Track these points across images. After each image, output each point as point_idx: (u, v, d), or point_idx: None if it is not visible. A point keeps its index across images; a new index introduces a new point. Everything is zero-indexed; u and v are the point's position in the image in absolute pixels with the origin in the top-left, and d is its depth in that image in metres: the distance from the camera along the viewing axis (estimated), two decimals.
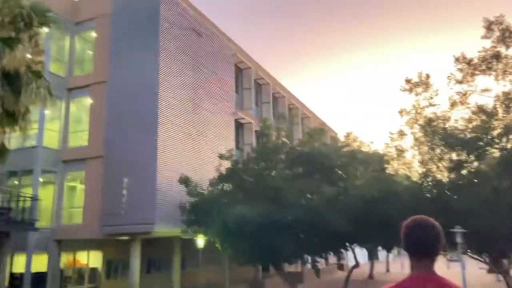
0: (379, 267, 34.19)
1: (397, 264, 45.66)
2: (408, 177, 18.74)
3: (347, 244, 18.68)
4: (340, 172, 17.40)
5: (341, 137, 21.18)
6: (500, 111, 16.27)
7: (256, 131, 26.75)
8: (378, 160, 19.09)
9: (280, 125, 20.09)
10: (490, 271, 37.28)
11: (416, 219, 2.13)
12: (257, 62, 30.18)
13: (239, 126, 26.96)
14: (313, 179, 17.76)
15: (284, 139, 19.45)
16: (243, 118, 26.71)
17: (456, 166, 16.50)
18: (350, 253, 26.49)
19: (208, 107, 22.37)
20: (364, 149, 20.80)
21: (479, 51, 16.45)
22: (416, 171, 18.36)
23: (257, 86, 30.28)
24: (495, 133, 15.92)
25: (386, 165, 19.20)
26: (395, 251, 32.67)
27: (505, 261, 18.07)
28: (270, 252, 15.51)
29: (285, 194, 16.04)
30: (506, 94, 16.07)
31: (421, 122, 17.86)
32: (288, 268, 21.89)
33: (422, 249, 2.04)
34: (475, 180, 15.50)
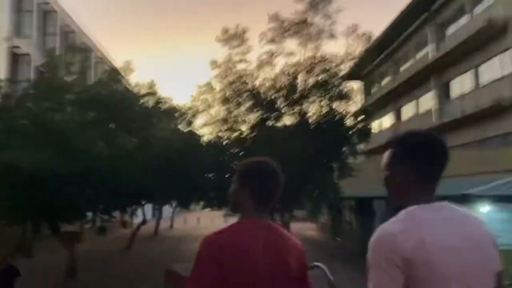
0: (163, 224, 34.42)
1: (180, 220, 47.06)
2: (213, 132, 18.44)
3: (143, 200, 17.18)
4: (142, 121, 15.49)
5: (143, 85, 19.04)
6: (300, 76, 17.39)
7: (37, 66, 21.80)
8: (184, 113, 18.03)
9: (70, 59, 16.51)
10: None
11: (263, 161, 1.91)
12: None
13: (15, 57, 21.41)
14: (110, 127, 15.32)
15: (76, 77, 16.10)
16: (19, 47, 21.29)
17: (259, 124, 16.99)
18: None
19: None
20: (167, 102, 19.30)
21: (291, 14, 17.02)
22: (221, 127, 18.15)
23: (42, 12, 24.67)
24: (295, 96, 16.94)
25: (192, 119, 18.36)
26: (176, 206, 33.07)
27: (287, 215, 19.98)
28: (47, 208, 12.65)
29: (73, 141, 13.19)
30: (309, 59, 17.20)
31: (231, 78, 17.57)
32: (67, 227, 18.87)
33: (268, 196, 1.85)
34: (275, 139, 16.20)
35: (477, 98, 20.97)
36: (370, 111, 19.20)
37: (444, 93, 25.34)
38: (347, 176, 17.39)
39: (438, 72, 25.14)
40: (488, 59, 20.96)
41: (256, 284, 1.67)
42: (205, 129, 18.80)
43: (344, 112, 17.52)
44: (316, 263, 4.76)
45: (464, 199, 12.01)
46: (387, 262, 1.25)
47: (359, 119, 18.08)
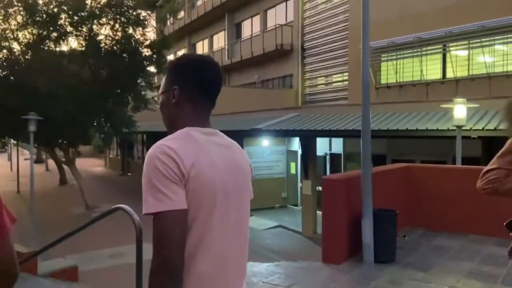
0: None
1: None
2: None
3: None
4: None
5: None
6: None
7: None
8: None
9: None
10: (37, 161, 37.86)
11: None
12: None
13: None
14: None
15: None
16: None
17: (35, 44, 14.10)
18: None
19: None
20: None
21: None
22: None
23: None
24: (83, 14, 14.59)
25: None
26: None
27: (72, 151, 17.88)
28: None
29: None
30: None
31: None
32: None
33: None
34: (56, 62, 13.82)
35: (264, 41, 22.71)
36: (166, 43, 18.29)
37: (236, 33, 26.54)
38: (142, 109, 16.57)
39: (231, 12, 25.97)
40: (275, 5, 22.71)
41: None
42: None
43: (140, 40, 16.25)
44: (119, 205, 4.18)
45: (253, 133, 13.05)
46: (169, 173, 1.24)
47: (154, 50, 17.10)
